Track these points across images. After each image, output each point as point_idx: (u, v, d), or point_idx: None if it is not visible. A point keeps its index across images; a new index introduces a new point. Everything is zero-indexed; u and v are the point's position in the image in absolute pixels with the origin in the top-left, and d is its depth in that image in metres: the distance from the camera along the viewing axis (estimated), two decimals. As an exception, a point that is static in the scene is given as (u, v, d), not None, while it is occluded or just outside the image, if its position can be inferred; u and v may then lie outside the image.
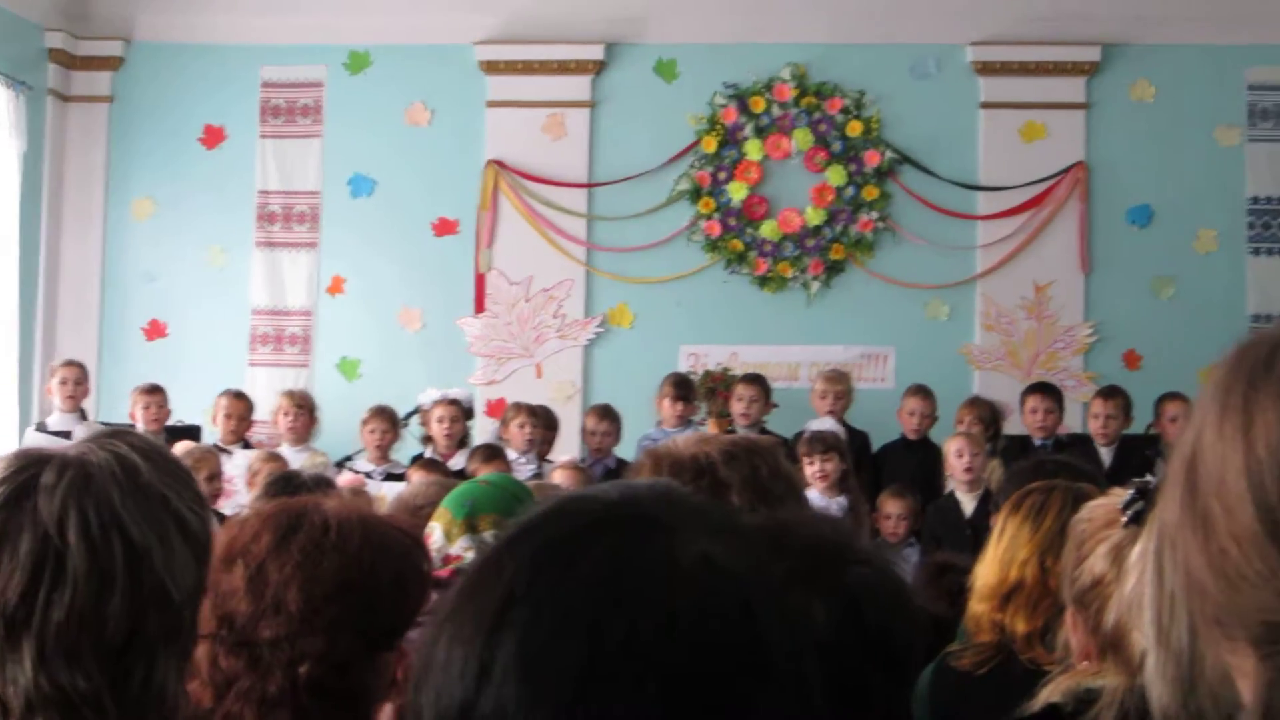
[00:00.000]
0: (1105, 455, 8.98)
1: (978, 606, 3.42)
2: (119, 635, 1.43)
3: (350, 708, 2.50)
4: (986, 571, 3.40)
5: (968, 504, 8.17)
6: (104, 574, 1.42)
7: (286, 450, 8.90)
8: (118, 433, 1.62)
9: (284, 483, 4.73)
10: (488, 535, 3.38)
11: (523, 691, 1.05)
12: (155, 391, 9.58)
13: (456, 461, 8.80)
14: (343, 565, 2.49)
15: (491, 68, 11.30)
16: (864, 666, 1.63)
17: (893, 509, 8.33)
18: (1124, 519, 2.42)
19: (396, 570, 2.61)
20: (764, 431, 9.07)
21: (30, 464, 1.56)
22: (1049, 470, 3.81)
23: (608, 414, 9.55)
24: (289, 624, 2.43)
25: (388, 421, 9.32)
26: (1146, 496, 2.36)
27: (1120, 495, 2.49)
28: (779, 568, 1.22)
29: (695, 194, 11.15)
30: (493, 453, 8.16)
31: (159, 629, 1.47)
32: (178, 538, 1.50)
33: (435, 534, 3.42)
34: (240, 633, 2.48)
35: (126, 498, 1.45)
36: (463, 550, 3.38)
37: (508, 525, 1.19)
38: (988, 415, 9.17)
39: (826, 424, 9.07)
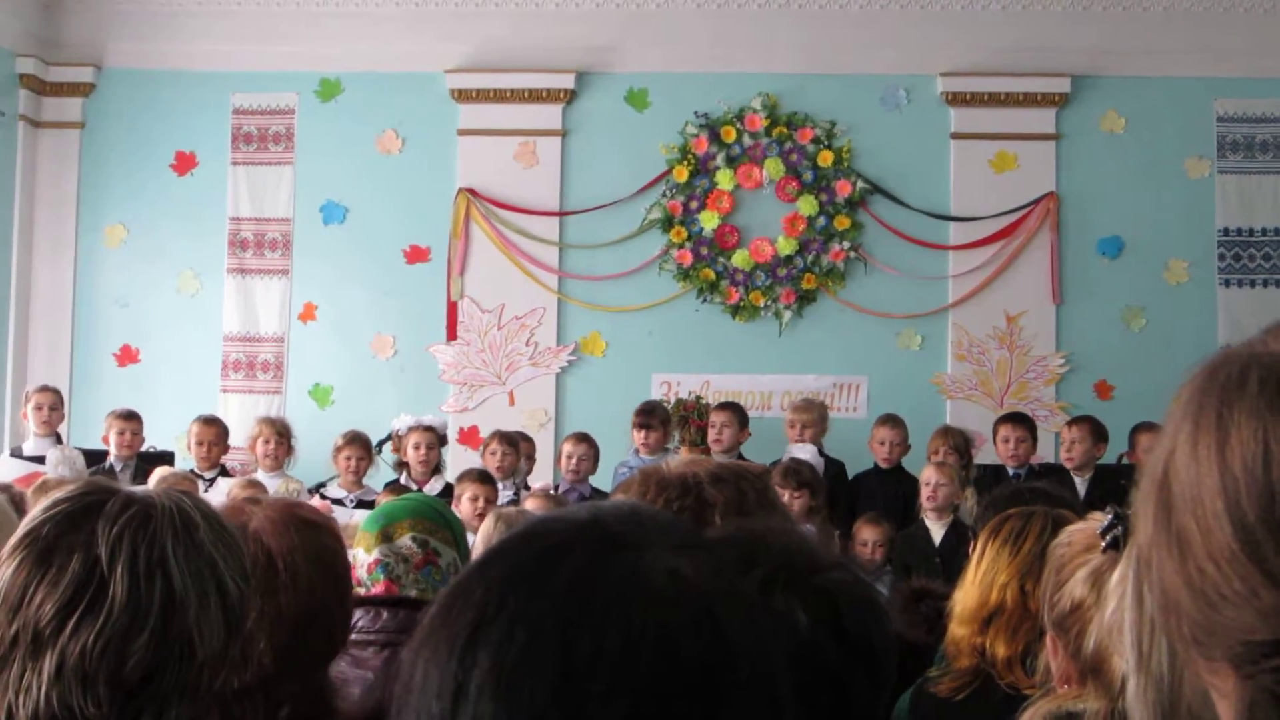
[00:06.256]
0: (1080, 485, 9.00)
1: (958, 630, 3.42)
2: (136, 674, 1.45)
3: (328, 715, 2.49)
4: (966, 595, 3.40)
5: (936, 532, 8.19)
6: (138, 610, 1.44)
7: (261, 476, 8.83)
8: (187, 493, 1.67)
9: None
10: (406, 539, 3.38)
11: (498, 707, 1.07)
12: (131, 418, 9.48)
13: (432, 488, 8.76)
14: (299, 599, 2.44)
15: (463, 96, 11.30)
16: (844, 665, 1.64)
17: (868, 536, 8.33)
18: (1103, 544, 2.42)
19: (336, 577, 2.57)
20: (741, 459, 9.04)
21: (97, 491, 1.61)
22: (1026, 498, 3.82)
23: (585, 439, 9.49)
24: (261, 674, 2.33)
25: (362, 448, 9.24)
26: (1124, 522, 2.36)
27: (1099, 520, 2.49)
28: (752, 578, 1.24)
29: (667, 223, 11.16)
30: (483, 476, 8.12)
31: (176, 680, 1.49)
32: (215, 599, 1.53)
33: (359, 556, 3.44)
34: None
35: (178, 546, 1.49)
36: (381, 556, 3.38)
37: (488, 552, 1.20)
38: (961, 444, 9.18)
39: (807, 451, 9.05)
